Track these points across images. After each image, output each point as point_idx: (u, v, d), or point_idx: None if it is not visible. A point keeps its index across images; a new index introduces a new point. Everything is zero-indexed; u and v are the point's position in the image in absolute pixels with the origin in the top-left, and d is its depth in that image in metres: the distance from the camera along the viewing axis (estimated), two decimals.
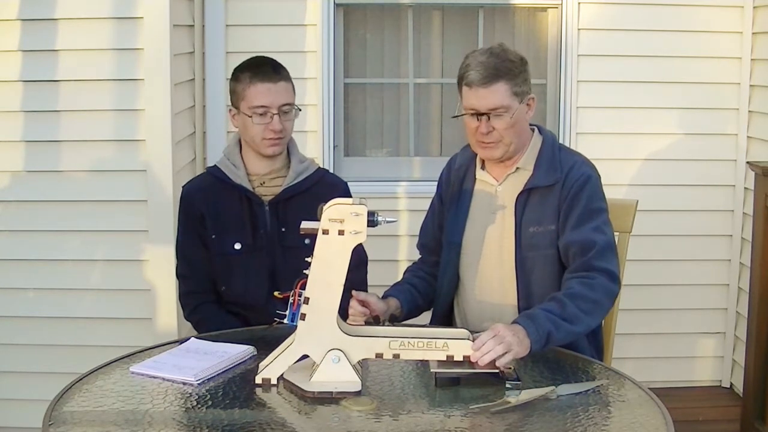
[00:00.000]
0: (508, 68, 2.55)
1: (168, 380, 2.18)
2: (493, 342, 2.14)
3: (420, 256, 2.92)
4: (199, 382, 2.17)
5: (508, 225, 2.62)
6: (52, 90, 3.48)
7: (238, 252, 2.75)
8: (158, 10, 3.39)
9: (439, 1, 4.24)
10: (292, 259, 2.61)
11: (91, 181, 3.53)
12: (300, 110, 2.81)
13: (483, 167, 2.70)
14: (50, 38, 3.44)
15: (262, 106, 2.69)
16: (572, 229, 2.53)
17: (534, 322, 2.27)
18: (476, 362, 2.13)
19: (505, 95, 2.54)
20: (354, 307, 2.50)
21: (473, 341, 2.15)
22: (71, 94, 3.48)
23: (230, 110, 2.78)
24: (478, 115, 2.55)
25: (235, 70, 2.79)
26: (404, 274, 2.87)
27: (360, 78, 4.28)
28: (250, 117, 2.70)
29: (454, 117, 2.64)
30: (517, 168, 2.64)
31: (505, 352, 2.14)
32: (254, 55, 3.61)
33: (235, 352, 2.34)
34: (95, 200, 3.54)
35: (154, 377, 2.20)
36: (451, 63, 4.24)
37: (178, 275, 2.87)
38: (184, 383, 2.17)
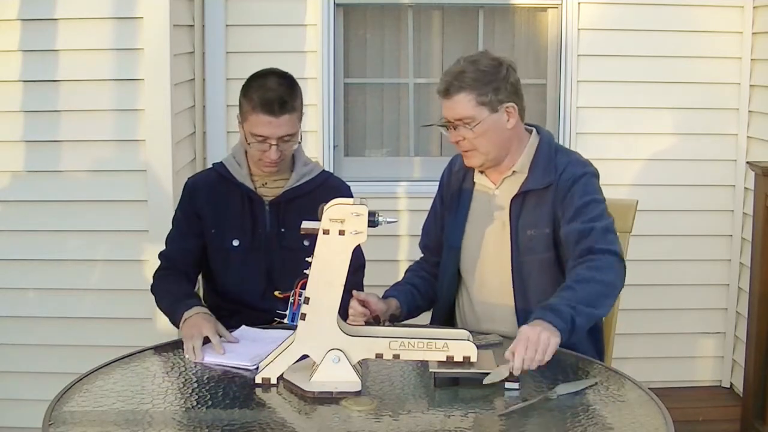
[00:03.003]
0: (473, 78, 2.53)
1: (226, 366, 2.25)
2: (526, 350, 2.11)
3: (422, 255, 2.92)
4: (254, 366, 2.22)
5: (506, 228, 2.62)
6: (52, 90, 3.48)
7: (235, 249, 2.76)
8: (158, 10, 3.39)
9: (439, 1, 4.24)
10: (289, 260, 2.62)
11: (91, 181, 3.53)
12: (300, 140, 2.75)
13: (482, 171, 2.70)
14: (50, 38, 3.44)
15: (261, 136, 2.66)
16: (568, 222, 2.51)
17: (555, 312, 2.23)
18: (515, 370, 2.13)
19: (468, 106, 2.53)
20: (354, 307, 2.50)
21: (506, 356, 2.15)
22: (71, 94, 3.48)
23: (237, 117, 2.76)
24: (448, 123, 2.57)
25: (248, 81, 2.72)
26: (405, 273, 2.87)
27: (360, 78, 4.28)
28: (249, 143, 2.69)
29: (424, 126, 2.66)
30: (514, 171, 2.63)
31: (543, 355, 2.13)
32: (254, 52, 3.62)
33: (284, 337, 2.33)
34: (95, 200, 3.54)
35: (215, 365, 2.28)
36: (451, 63, 4.20)
37: (159, 256, 2.85)
38: (242, 368, 2.23)
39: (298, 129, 2.71)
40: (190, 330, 2.44)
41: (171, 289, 2.73)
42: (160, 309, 2.79)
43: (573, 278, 2.38)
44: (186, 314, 2.52)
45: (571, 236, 2.49)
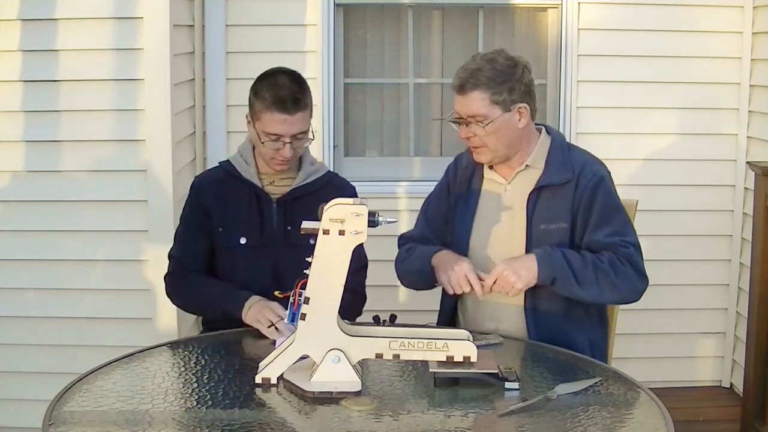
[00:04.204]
0: (489, 77, 2.55)
1: None
2: (502, 275, 2.44)
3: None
4: None
5: (517, 223, 2.63)
6: (52, 90, 3.48)
7: (243, 246, 2.77)
8: (158, 10, 3.39)
9: (439, 1, 4.24)
10: (296, 257, 2.61)
11: (91, 181, 3.53)
12: (314, 138, 2.77)
13: (491, 166, 2.71)
14: (50, 38, 3.44)
15: (276, 134, 2.67)
16: (593, 230, 2.57)
17: (552, 262, 2.49)
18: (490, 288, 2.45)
19: (482, 104, 2.55)
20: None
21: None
22: (71, 94, 3.48)
23: (246, 116, 2.76)
24: (460, 119, 2.59)
25: (257, 81, 2.72)
26: (419, 247, 2.77)
27: (360, 78, 4.28)
28: (263, 142, 2.69)
29: (435, 120, 2.69)
30: (527, 166, 2.65)
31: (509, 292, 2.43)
32: (254, 52, 3.59)
33: None
34: (95, 200, 3.54)
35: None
36: (451, 63, 4.23)
37: (169, 256, 2.86)
38: None
39: (310, 126, 2.74)
40: (261, 313, 2.53)
41: (204, 286, 2.76)
42: (193, 307, 2.87)
43: (596, 255, 2.54)
44: (248, 302, 2.60)
45: (594, 246, 2.58)
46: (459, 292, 2.57)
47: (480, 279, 2.53)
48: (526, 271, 2.49)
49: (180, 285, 2.83)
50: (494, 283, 2.50)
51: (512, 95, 2.56)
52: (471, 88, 2.55)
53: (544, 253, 2.52)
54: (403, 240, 2.86)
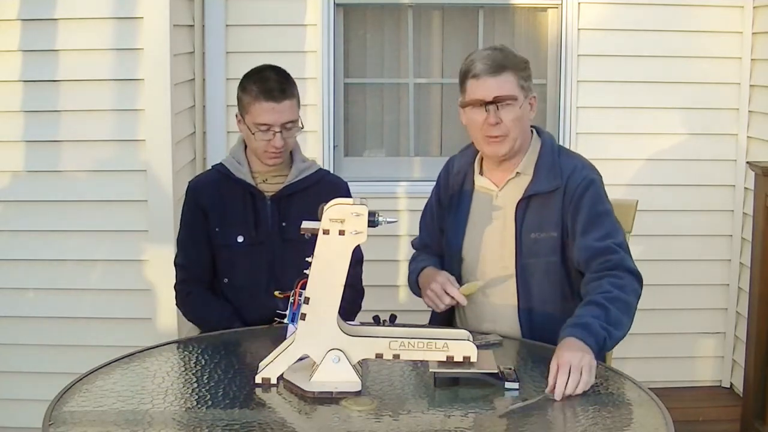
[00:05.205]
0: (513, 62, 2.57)
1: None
2: (570, 374, 2.11)
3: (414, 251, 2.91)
4: None
5: (508, 230, 2.61)
6: (52, 90, 3.48)
7: (240, 245, 2.80)
8: (158, 10, 3.39)
9: (439, 1, 4.24)
10: (291, 253, 2.66)
11: (91, 181, 3.53)
12: (303, 127, 2.82)
13: (482, 173, 2.70)
14: (50, 38, 3.44)
15: (265, 124, 2.72)
16: (581, 235, 2.52)
17: (590, 332, 2.25)
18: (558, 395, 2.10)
19: (513, 85, 2.55)
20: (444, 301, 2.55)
21: (550, 377, 2.12)
22: (71, 94, 3.48)
23: (236, 116, 2.81)
24: (486, 104, 2.54)
25: (244, 78, 2.80)
26: (418, 259, 2.83)
27: (360, 78, 4.28)
28: (254, 133, 2.74)
29: (462, 108, 2.62)
30: (518, 173, 2.63)
31: (590, 377, 2.13)
32: (254, 52, 3.61)
33: None
34: (95, 200, 3.54)
35: None
36: (451, 63, 4.24)
37: (175, 264, 2.92)
38: None
39: (299, 117, 2.79)
40: None
41: (207, 308, 2.84)
42: (196, 323, 2.91)
43: (601, 293, 2.38)
44: None
45: (586, 252, 2.51)
46: (440, 309, 2.60)
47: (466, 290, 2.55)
48: (594, 362, 2.20)
49: (186, 302, 2.90)
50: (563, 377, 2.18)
51: (528, 83, 2.60)
52: (503, 70, 2.54)
53: (579, 330, 2.27)
54: (413, 246, 2.92)
